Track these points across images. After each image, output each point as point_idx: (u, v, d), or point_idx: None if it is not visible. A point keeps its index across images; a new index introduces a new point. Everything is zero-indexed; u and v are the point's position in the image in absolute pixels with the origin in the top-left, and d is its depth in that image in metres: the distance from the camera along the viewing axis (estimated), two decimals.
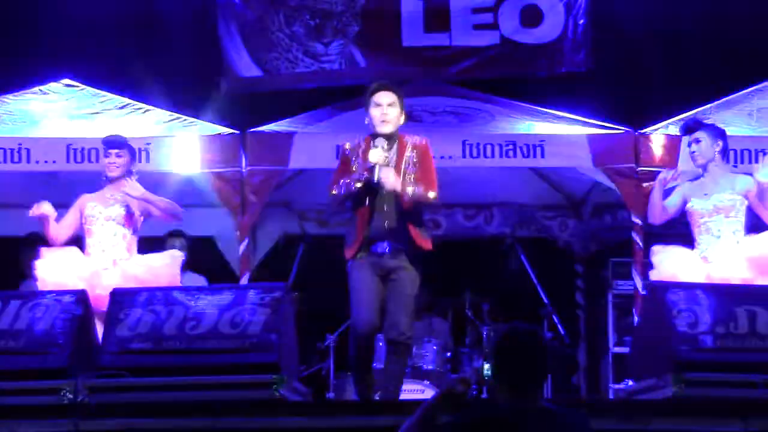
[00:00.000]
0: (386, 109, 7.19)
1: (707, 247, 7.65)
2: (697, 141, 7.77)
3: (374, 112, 7.20)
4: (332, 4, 11.98)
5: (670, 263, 7.65)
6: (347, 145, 7.35)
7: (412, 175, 7.16)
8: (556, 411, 4.52)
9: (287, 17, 12.02)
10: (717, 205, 7.65)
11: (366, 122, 7.27)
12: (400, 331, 7.09)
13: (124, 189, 7.87)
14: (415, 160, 7.20)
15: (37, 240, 9.41)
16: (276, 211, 10.43)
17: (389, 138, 7.20)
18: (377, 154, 7.09)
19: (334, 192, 7.24)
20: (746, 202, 7.67)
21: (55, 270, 7.76)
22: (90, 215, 7.94)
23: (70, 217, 8.05)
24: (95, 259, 7.87)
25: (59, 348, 6.84)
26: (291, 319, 7.15)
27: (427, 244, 7.20)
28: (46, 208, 7.91)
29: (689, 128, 7.88)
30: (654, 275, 7.69)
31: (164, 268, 7.90)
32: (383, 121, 7.17)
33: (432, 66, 11.31)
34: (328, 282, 10.06)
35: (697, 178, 7.88)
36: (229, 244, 9.90)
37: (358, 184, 7.11)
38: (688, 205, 7.75)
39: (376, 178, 7.06)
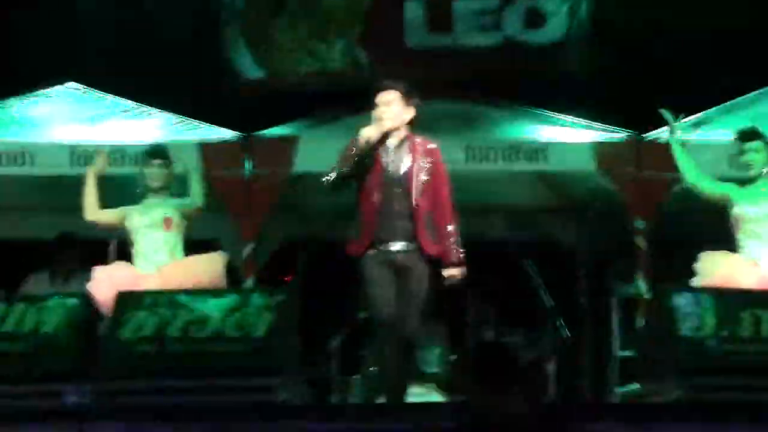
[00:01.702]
0: (383, 108, 7.13)
1: (757, 251, 7.63)
2: (757, 151, 7.76)
3: (375, 112, 7.16)
4: (335, 6, 12.02)
5: (722, 268, 7.62)
6: (353, 139, 7.17)
7: (422, 184, 7.11)
8: (533, 415, 4.55)
9: (290, 19, 12.05)
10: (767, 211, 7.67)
11: None
12: (408, 330, 7.05)
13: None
14: (428, 165, 7.15)
15: (70, 240, 9.47)
16: (280, 214, 10.42)
17: (395, 136, 7.13)
18: (369, 129, 7.06)
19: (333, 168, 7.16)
20: None
21: (104, 288, 7.74)
22: (131, 228, 8.01)
23: (112, 213, 8.11)
24: (140, 267, 7.92)
25: (64, 351, 6.85)
26: (295, 322, 7.16)
27: (432, 249, 7.14)
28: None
29: (749, 136, 7.84)
30: (701, 281, 7.62)
31: (204, 271, 7.90)
32: (380, 119, 7.10)
33: (436, 66, 11.33)
34: (333, 285, 10.08)
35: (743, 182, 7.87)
36: (233, 247, 9.89)
37: (354, 153, 7.03)
38: (737, 210, 7.70)
39: (368, 144, 7.01)
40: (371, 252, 7.05)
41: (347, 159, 7.04)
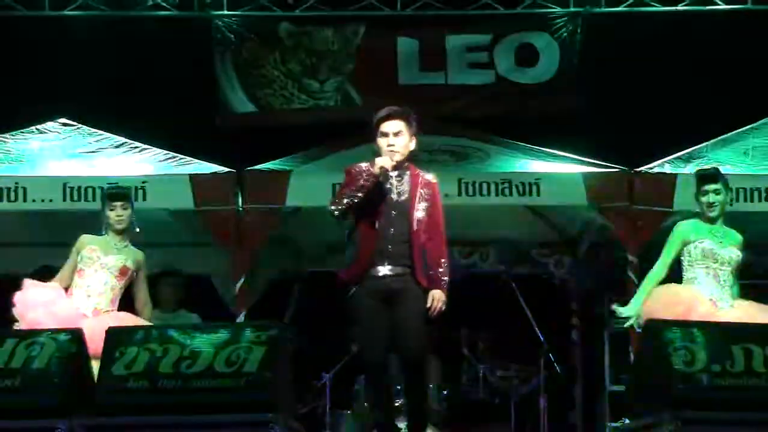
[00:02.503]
0: (392, 139, 7.03)
1: (713, 292, 7.64)
2: (717, 192, 7.77)
3: (381, 142, 7.07)
4: (328, 42, 12.07)
5: (680, 302, 7.63)
6: (352, 168, 7.14)
7: (422, 213, 7.03)
8: None
9: (283, 55, 12.10)
10: (732, 257, 7.68)
11: (375, 149, 7.12)
12: (414, 354, 6.95)
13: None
14: (427, 197, 7.09)
15: (50, 273, 9.44)
16: (272, 249, 10.43)
17: (399, 167, 7.07)
18: (385, 160, 6.96)
19: (340, 197, 7.04)
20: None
21: (33, 305, 7.70)
22: (88, 257, 7.82)
23: (72, 263, 7.91)
24: (77, 301, 7.79)
25: (54, 387, 6.83)
26: (287, 357, 7.14)
27: (423, 281, 7.03)
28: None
29: (713, 178, 7.84)
30: (652, 313, 7.63)
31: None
32: (390, 151, 7.02)
33: (428, 104, 11.36)
34: (325, 320, 10.07)
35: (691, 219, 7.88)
36: (225, 282, 9.90)
37: (366, 182, 6.93)
38: (703, 245, 7.70)
39: (381, 176, 6.93)
40: (364, 283, 6.98)
41: (358, 189, 6.96)
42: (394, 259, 7.00)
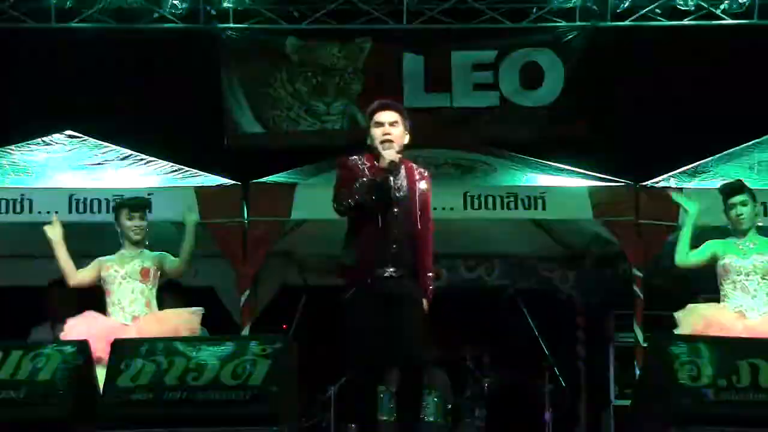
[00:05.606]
0: (388, 128, 6.89)
1: (742, 304, 7.64)
2: (744, 204, 7.76)
3: (375, 131, 6.92)
4: (334, 59, 12.09)
5: (707, 319, 7.62)
6: (348, 160, 7.01)
7: (421, 208, 6.89)
8: None
9: (289, 74, 12.12)
10: (756, 265, 7.64)
11: (368, 143, 6.99)
12: (413, 357, 6.80)
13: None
14: (423, 191, 6.95)
15: (60, 287, 9.45)
16: (277, 261, 10.43)
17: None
18: (391, 154, 6.81)
19: (345, 192, 6.86)
20: None
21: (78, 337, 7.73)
22: (107, 275, 7.96)
23: (90, 271, 8.03)
24: (115, 317, 7.90)
25: (60, 398, 6.83)
26: (292, 371, 7.14)
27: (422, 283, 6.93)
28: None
29: (739, 189, 7.83)
30: (684, 332, 7.62)
31: (182, 324, 7.88)
32: (386, 141, 6.87)
33: (433, 127, 11.40)
34: (330, 332, 10.06)
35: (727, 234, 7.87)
36: (230, 294, 9.90)
37: (374, 179, 6.77)
38: (725, 261, 7.70)
39: (389, 172, 6.79)
40: (365, 285, 6.82)
41: (366, 186, 6.79)
42: (398, 260, 6.83)
